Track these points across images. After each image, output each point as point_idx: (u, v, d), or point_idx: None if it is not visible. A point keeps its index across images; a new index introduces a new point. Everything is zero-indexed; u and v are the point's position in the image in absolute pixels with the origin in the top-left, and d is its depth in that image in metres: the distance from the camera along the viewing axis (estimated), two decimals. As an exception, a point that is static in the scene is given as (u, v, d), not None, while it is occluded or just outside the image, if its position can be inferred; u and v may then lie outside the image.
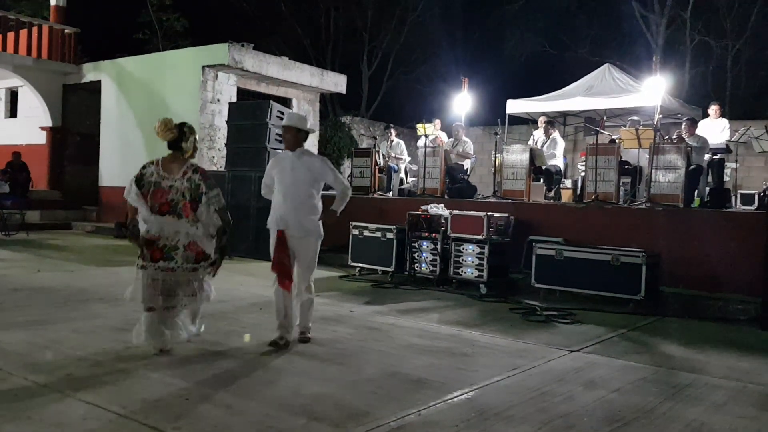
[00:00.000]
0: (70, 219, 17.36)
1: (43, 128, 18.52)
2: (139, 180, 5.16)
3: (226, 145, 13.16)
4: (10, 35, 17.73)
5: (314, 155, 6.01)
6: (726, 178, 11.23)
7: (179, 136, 5.21)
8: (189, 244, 5.18)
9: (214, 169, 14.45)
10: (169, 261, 5.12)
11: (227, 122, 13.15)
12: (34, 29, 18.03)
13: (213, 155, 15.43)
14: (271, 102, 12.51)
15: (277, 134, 12.20)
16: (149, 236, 5.11)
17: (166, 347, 5.14)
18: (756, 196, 10.26)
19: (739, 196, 11.87)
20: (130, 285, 5.21)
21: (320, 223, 5.71)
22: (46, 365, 4.72)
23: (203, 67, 15.34)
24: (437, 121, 14.06)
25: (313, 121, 18.34)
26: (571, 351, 5.80)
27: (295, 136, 5.72)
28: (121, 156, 16.69)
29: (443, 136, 13.58)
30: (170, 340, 5.20)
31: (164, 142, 5.24)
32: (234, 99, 15.71)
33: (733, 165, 12.10)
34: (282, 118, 12.37)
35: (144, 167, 5.24)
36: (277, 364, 5.03)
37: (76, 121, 18.63)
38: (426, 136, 12.37)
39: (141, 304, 5.13)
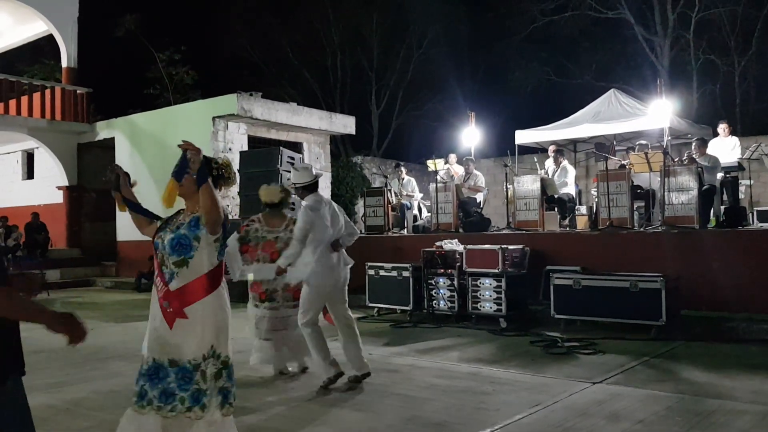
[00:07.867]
0: (89, 275, 17.51)
1: (59, 188, 18.82)
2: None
3: (239, 193, 13.28)
4: (24, 99, 18.17)
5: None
6: (741, 196, 11.13)
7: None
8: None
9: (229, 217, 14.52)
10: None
11: (239, 171, 13.24)
12: (47, 92, 18.46)
13: (227, 204, 15.55)
14: (281, 148, 12.65)
15: (288, 180, 12.30)
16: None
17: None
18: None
19: (755, 213, 11.74)
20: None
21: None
22: (66, 429, 4.72)
23: (213, 117, 15.57)
24: (452, 156, 14.06)
25: (324, 164, 18.50)
26: (594, 383, 5.72)
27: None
28: (137, 210, 16.82)
29: (459, 169, 13.44)
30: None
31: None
32: (245, 147, 15.87)
33: (748, 182, 11.99)
34: (292, 164, 12.55)
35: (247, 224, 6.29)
36: (296, 414, 4.99)
37: (92, 179, 18.82)
38: (436, 171, 12.40)
39: None
